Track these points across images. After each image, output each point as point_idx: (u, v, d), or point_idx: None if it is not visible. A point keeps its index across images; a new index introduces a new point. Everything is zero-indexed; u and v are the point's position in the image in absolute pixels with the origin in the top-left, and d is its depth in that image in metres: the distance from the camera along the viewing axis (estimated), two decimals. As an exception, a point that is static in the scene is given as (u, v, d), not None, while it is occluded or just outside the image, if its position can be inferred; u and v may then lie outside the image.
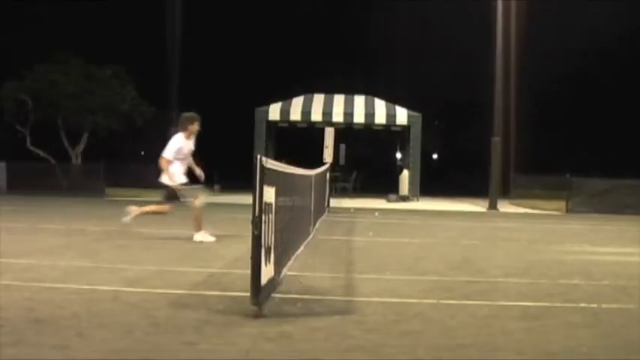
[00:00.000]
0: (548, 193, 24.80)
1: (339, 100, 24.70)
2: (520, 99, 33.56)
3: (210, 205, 18.02)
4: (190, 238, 9.27)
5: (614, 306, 5.60)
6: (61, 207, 16.41)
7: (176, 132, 9.52)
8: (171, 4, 22.10)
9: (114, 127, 26.23)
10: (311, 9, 42.20)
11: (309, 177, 9.73)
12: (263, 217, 4.75)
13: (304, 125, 25.53)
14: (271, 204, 5.08)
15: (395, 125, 25.01)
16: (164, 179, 9.39)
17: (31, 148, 25.78)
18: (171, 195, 9.48)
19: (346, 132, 26.55)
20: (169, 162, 9.29)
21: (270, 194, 5.02)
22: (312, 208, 10.45)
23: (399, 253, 8.86)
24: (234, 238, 9.66)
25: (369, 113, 24.09)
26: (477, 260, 8.38)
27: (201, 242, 9.20)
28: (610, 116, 39.30)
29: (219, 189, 26.19)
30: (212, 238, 9.37)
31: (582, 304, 5.57)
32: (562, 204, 19.88)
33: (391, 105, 24.53)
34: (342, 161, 23.65)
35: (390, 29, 40.83)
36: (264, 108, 24.11)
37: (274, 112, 24.10)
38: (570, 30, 35.83)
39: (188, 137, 9.47)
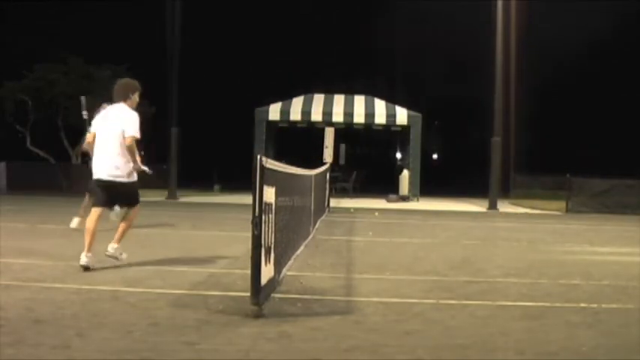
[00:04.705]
0: (548, 193, 24.81)
1: (339, 100, 24.68)
2: (520, 99, 33.52)
3: (210, 205, 18.07)
4: None
5: (614, 306, 5.60)
6: (61, 207, 16.38)
7: None
8: (171, 4, 22.05)
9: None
10: (311, 9, 42.18)
11: (309, 177, 9.74)
12: (263, 217, 4.75)
13: (304, 125, 25.51)
14: (271, 204, 5.08)
15: (395, 125, 24.98)
16: None
17: (31, 148, 25.77)
18: None
19: (346, 132, 26.49)
20: None
21: (270, 194, 5.02)
22: (312, 208, 10.45)
23: (399, 253, 8.86)
24: (234, 238, 9.66)
25: (369, 113, 24.07)
26: (477, 260, 8.37)
27: None
28: (610, 116, 39.27)
29: (219, 189, 26.18)
30: None
31: (582, 304, 5.57)
32: (562, 204, 19.86)
33: (391, 105, 24.50)
34: (342, 161, 23.60)
35: (390, 29, 40.80)
36: (264, 108, 24.09)
37: (274, 112, 24.08)
38: (571, 30, 35.79)
39: None
